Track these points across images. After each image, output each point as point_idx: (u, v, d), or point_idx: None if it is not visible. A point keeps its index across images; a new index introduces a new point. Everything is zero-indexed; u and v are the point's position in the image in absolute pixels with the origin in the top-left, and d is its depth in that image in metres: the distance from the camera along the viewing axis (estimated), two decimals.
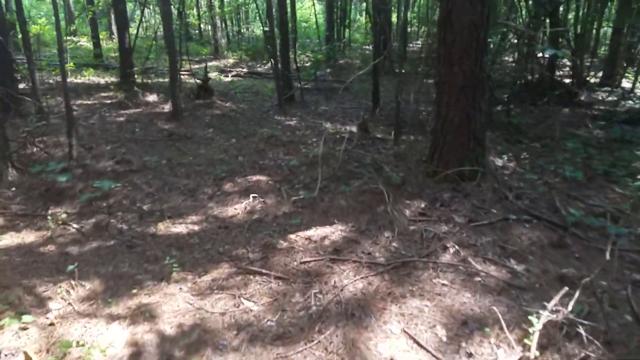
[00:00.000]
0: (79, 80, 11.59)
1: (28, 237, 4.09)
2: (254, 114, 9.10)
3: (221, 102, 9.39)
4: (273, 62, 12.67)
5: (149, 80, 11.01)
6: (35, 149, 5.66)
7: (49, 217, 4.24)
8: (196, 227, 4.15)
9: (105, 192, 4.70)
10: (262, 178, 5.54)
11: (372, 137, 7.42)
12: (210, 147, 6.77)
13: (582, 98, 8.30)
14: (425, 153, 5.41)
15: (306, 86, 11.95)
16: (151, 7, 15.10)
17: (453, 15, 4.04)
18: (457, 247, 3.30)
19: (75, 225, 4.18)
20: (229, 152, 6.57)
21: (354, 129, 8.13)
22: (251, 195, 4.85)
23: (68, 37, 21.27)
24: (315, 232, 3.86)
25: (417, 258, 3.24)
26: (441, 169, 4.37)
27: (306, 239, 3.76)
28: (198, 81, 9.17)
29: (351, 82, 14.62)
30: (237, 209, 4.59)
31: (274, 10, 9.57)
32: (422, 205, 4.03)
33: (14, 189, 4.96)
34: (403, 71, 8.64)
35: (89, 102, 9.18)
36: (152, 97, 9.84)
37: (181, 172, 5.63)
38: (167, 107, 8.64)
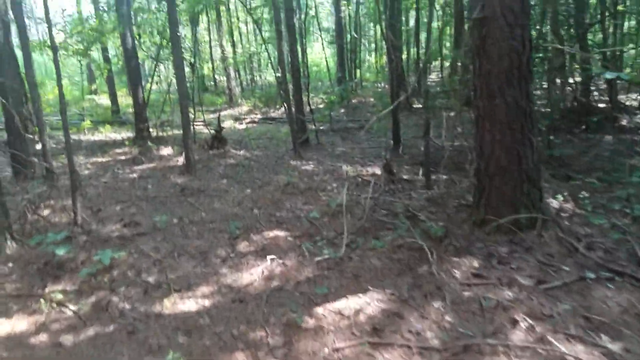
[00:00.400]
0: (95, 138, 11.48)
1: (20, 323, 3.56)
2: (269, 161, 8.67)
3: (235, 151, 9.02)
4: (286, 106, 12.47)
5: (164, 134, 10.81)
6: (37, 217, 5.25)
7: (41, 300, 3.72)
8: (207, 302, 3.57)
9: (108, 263, 4.19)
10: (280, 234, 4.98)
11: (398, 179, 6.85)
12: (224, 200, 6.29)
13: (624, 123, 7.64)
14: (464, 196, 4.80)
15: (321, 128, 11.59)
16: (166, 62, 15.31)
17: (488, 42, 3.55)
18: (529, 319, 2.63)
19: (72, 307, 3.65)
20: (244, 204, 6.07)
21: (377, 170, 7.59)
22: (269, 257, 4.28)
23: (89, 96, 21.81)
24: (347, 304, 3.23)
25: (480, 338, 2.58)
26: (491, 216, 3.74)
27: (337, 313, 3.14)
28: (212, 131, 8.85)
29: (367, 122, 14.28)
30: (253, 275, 4.01)
31: (285, 56, 9.32)
32: (475, 264, 3.38)
33: (11, 264, 4.50)
34: (425, 106, 8.16)
35: (103, 160, 8.92)
36: (166, 151, 9.55)
37: (192, 232, 5.12)
38: (181, 160, 8.29)
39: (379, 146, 10.15)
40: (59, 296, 3.79)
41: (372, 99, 19.75)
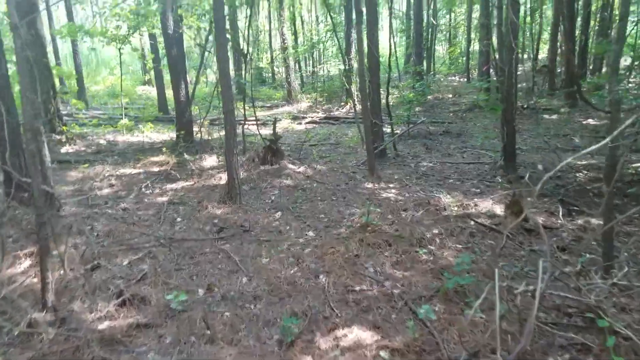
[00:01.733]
0: (134, 139, 10.02)
1: None
2: (336, 181, 6.63)
3: (293, 166, 7.06)
4: (355, 105, 10.35)
5: (209, 137, 9.10)
6: None
7: None
8: None
9: None
10: (365, 337, 2.95)
11: (534, 227, 4.58)
12: (275, 251, 4.34)
13: None
14: None
15: (396, 132, 9.38)
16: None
17: None
18: None
19: None
20: (304, 263, 4.08)
21: (491, 205, 5.33)
22: None
23: (142, 87, 20.88)
24: None
25: None
26: None
27: None
28: (265, 141, 6.94)
29: (450, 124, 11.86)
30: None
31: (362, 44, 7.15)
32: None
33: None
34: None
35: (133, 172, 7.30)
36: (210, 161, 7.80)
37: (221, 325, 3.19)
38: (225, 178, 6.48)
39: (479, 161, 7.81)
40: None
41: (450, 96, 17.16)
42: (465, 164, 7.70)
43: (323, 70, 16.60)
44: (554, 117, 12.38)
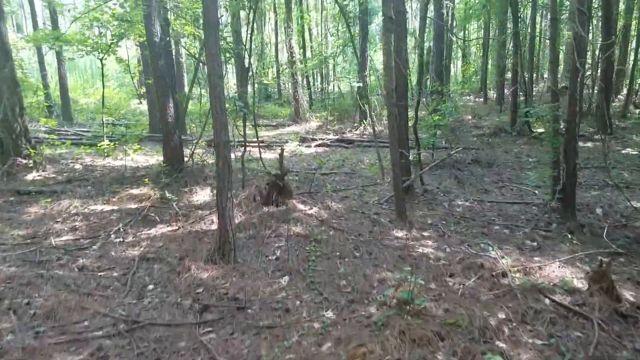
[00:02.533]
0: (117, 162, 8.76)
1: None
2: (357, 227, 5.31)
3: (303, 207, 5.74)
4: (373, 128, 9.10)
5: (204, 161, 7.82)
6: None
7: None
8: None
9: None
10: None
11: (628, 314, 3.25)
12: (279, 350, 3.01)
13: None
14: None
15: (426, 164, 8.07)
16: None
17: None
18: None
19: None
20: None
21: (559, 268, 4.00)
22: None
23: (136, 102, 19.70)
24: None
25: None
26: None
27: None
28: (270, 176, 5.63)
29: (477, 151, 10.56)
30: None
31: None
32: None
33: None
34: None
35: (106, 209, 6.01)
36: (201, 195, 6.53)
37: None
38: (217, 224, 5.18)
39: (523, 200, 6.49)
40: None
41: (470, 117, 15.88)
42: (507, 204, 6.39)
43: (333, 87, 15.41)
44: (589, 144, 11.08)
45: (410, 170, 6.88)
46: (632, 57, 12.55)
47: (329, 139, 11.44)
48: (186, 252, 4.53)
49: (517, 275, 3.94)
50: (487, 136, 12.40)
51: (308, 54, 20.37)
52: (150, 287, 3.95)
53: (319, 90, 17.54)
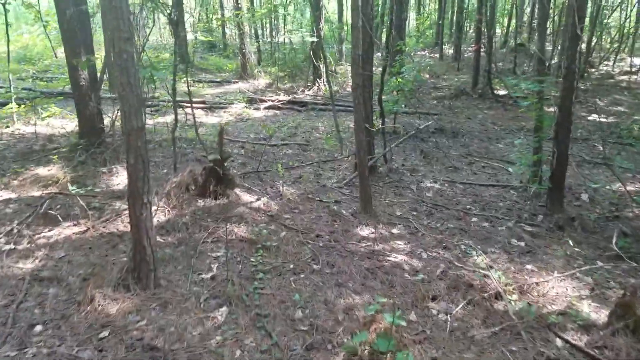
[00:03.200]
0: (29, 129, 7.22)
1: None
2: (315, 223, 4.41)
3: (248, 198, 4.73)
4: (330, 89, 8.02)
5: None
6: None
7: None
8: None
9: None
10: None
11: None
12: None
13: None
14: None
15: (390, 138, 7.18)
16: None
17: None
18: None
19: None
20: None
21: (559, 283, 3.33)
22: None
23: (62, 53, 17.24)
24: None
25: None
26: None
27: None
28: (208, 160, 4.49)
29: (439, 117, 9.78)
30: None
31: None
32: None
33: None
34: None
35: (3, 197, 4.72)
36: (123, 177, 5.32)
37: None
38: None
39: (498, 181, 5.81)
40: None
41: (427, 77, 15.00)
42: (481, 186, 5.70)
43: (284, 40, 13.90)
44: (552, 109, 10.54)
45: (373, 146, 5.99)
46: (592, 8, 12.03)
47: (279, 101, 10.25)
48: (93, 269, 3.45)
49: (514, 297, 3.21)
50: (447, 99, 11.68)
51: (256, 1, 18.47)
52: (39, 328, 2.88)
53: (269, 42, 15.92)
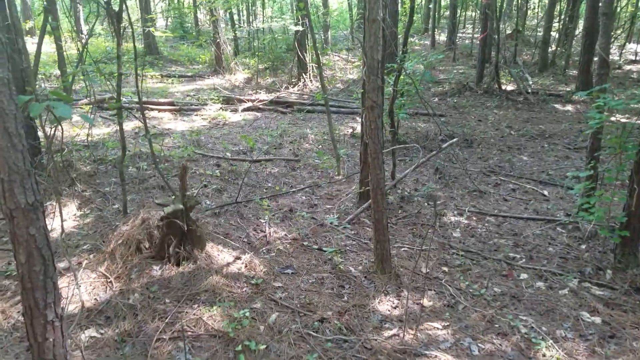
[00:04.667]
0: None
1: None
2: (315, 295, 3.19)
3: (224, 257, 3.45)
4: (322, 86, 6.72)
5: (70, 151, 5.13)
6: None
7: None
8: None
9: None
10: None
11: None
12: None
13: None
14: None
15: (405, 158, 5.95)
16: None
17: None
18: None
19: None
20: None
21: None
22: None
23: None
24: None
25: None
26: None
27: None
28: (164, 211, 3.15)
29: (444, 118, 8.60)
30: None
31: None
32: None
33: None
34: None
35: None
36: (71, 207, 3.97)
37: None
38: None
39: (537, 214, 4.67)
40: None
41: (422, 67, 13.76)
42: (519, 219, 4.56)
43: (263, 30, 12.44)
44: (569, 108, 9.50)
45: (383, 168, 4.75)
46: None
47: (260, 100, 8.91)
48: None
49: None
50: (449, 95, 10.53)
51: None
52: None
53: (246, 30, 14.41)
